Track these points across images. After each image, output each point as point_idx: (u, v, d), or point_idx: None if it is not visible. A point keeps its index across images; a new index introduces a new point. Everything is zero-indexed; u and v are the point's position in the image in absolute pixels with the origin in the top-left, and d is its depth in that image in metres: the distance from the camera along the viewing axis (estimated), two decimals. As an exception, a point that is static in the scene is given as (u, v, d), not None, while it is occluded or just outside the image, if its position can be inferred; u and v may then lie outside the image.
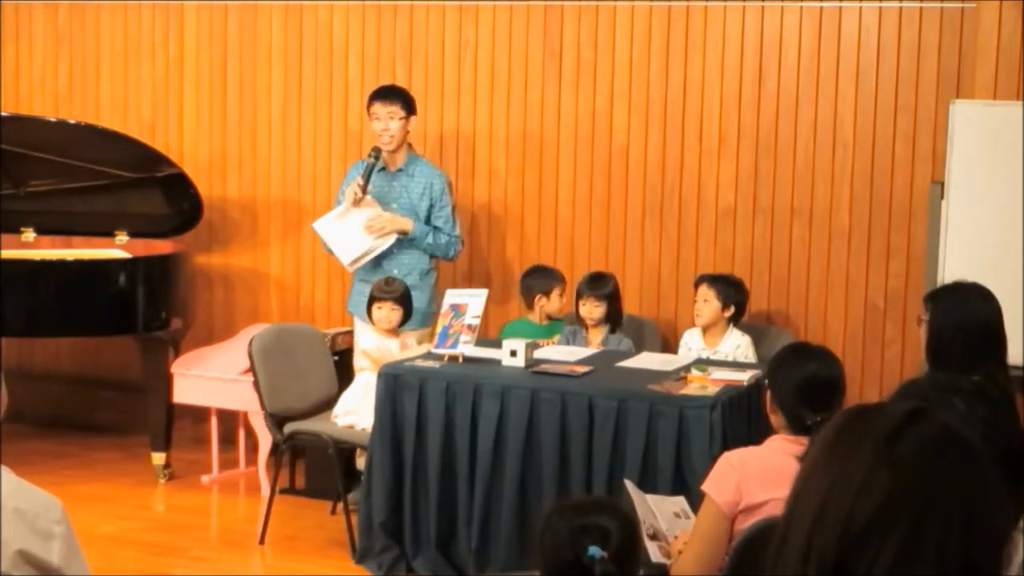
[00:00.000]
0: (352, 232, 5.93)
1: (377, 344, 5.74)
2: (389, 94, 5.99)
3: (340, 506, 5.69)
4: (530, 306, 6.17)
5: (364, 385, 5.61)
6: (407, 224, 5.96)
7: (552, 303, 6.11)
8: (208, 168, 7.11)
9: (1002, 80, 5.73)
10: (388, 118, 5.92)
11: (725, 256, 6.22)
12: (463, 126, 6.64)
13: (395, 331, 5.78)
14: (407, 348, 5.76)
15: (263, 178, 7.05)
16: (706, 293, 5.78)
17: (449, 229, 6.05)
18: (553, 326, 6.08)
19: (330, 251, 6.07)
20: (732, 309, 5.79)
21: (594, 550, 2.60)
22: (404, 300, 5.75)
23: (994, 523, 1.37)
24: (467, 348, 5.20)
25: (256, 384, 5.71)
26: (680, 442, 4.65)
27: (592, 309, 5.89)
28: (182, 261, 6.63)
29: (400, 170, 6.01)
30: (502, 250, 6.64)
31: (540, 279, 6.17)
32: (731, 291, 5.80)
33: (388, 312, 5.71)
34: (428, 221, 6.02)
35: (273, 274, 7.07)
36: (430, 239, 6.01)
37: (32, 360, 7.41)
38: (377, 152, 5.93)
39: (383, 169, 5.98)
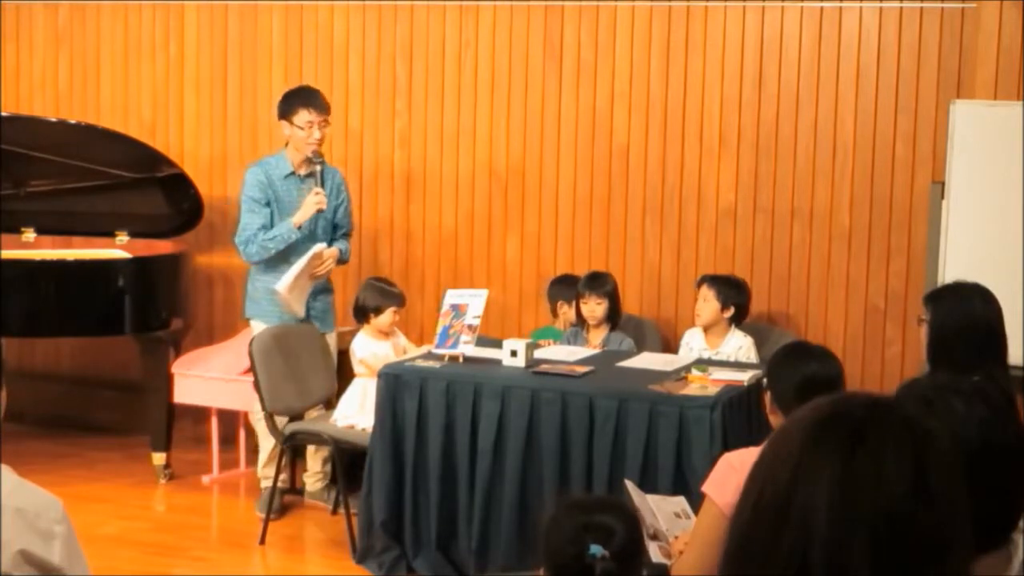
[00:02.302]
0: (303, 282, 5.87)
1: (373, 350, 5.74)
2: (322, 102, 5.87)
3: (341, 506, 5.69)
4: (555, 313, 6.19)
5: (362, 390, 5.62)
6: (336, 252, 5.98)
7: (573, 312, 6.10)
8: (208, 168, 7.11)
9: (1002, 80, 5.73)
10: (322, 126, 5.85)
11: (725, 256, 6.22)
12: (463, 126, 6.64)
13: (388, 333, 5.84)
14: (399, 348, 5.81)
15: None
16: (706, 293, 5.78)
17: (349, 224, 6.14)
18: None
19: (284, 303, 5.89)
20: (732, 310, 5.78)
21: (596, 549, 2.60)
22: (404, 302, 5.89)
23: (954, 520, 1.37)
24: (467, 348, 5.20)
25: (256, 384, 5.71)
26: (680, 442, 4.65)
27: (594, 308, 5.89)
28: (182, 261, 6.63)
29: (310, 174, 5.91)
30: (502, 250, 6.64)
31: (562, 287, 6.17)
32: (731, 292, 5.80)
33: (394, 315, 5.79)
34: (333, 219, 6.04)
35: (273, 274, 7.06)
36: (347, 254, 6.11)
37: (32, 360, 7.41)
38: (321, 158, 5.88)
39: (293, 174, 5.90)
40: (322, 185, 5.82)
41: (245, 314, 6.10)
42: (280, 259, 5.84)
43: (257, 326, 5.95)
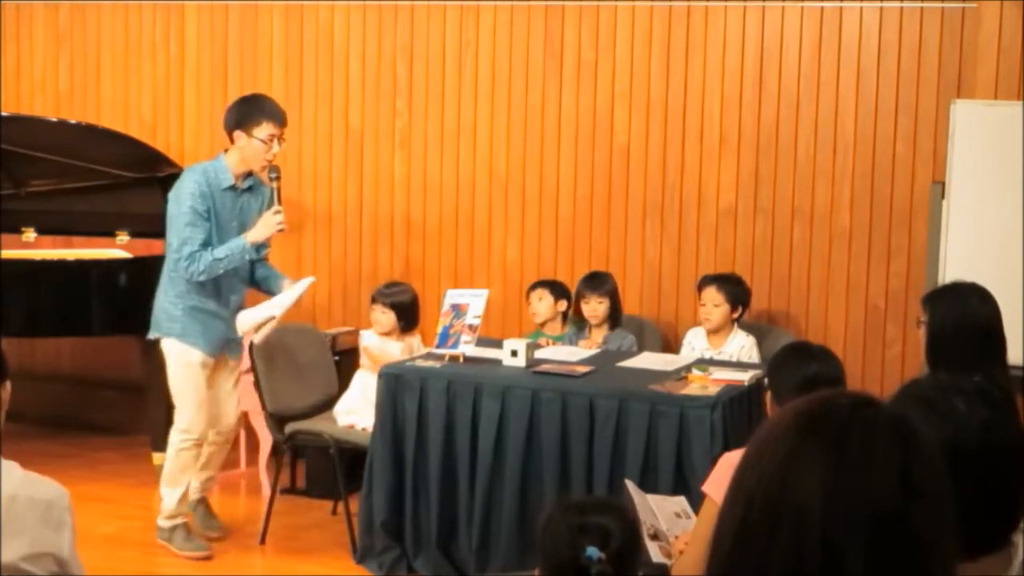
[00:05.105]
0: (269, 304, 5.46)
1: (379, 344, 5.77)
2: (284, 115, 5.39)
3: (340, 506, 5.69)
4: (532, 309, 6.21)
5: (361, 384, 5.64)
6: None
7: (532, 306, 6.10)
8: (208, 168, 7.10)
9: (1003, 80, 5.73)
10: (281, 140, 5.35)
11: (725, 256, 6.22)
12: (463, 126, 6.64)
13: (399, 334, 5.83)
14: (408, 349, 5.80)
15: (263, 178, 7.05)
16: (715, 297, 5.74)
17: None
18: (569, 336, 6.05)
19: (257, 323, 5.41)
20: (740, 309, 5.79)
21: (592, 551, 2.59)
22: (396, 306, 5.81)
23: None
24: (468, 348, 5.20)
25: (256, 384, 5.71)
26: (681, 442, 4.65)
27: (596, 307, 5.90)
28: (183, 261, 6.62)
29: (248, 189, 5.43)
30: (502, 250, 6.64)
31: (540, 283, 6.18)
32: (738, 291, 5.80)
33: (379, 314, 5.80)
34: None
35: (273, 274, 7.06)
36: None
37: (32, 360, 7.41)
38: (278, 174, 5.38)
39: (232, 187, 5.36)
40: (279, 202, 5.35)
41: (155, 332, 5.47)
42: (216, 285, 5.39)
43: (178, 348, 5.39)
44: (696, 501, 3.67)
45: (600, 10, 6.36)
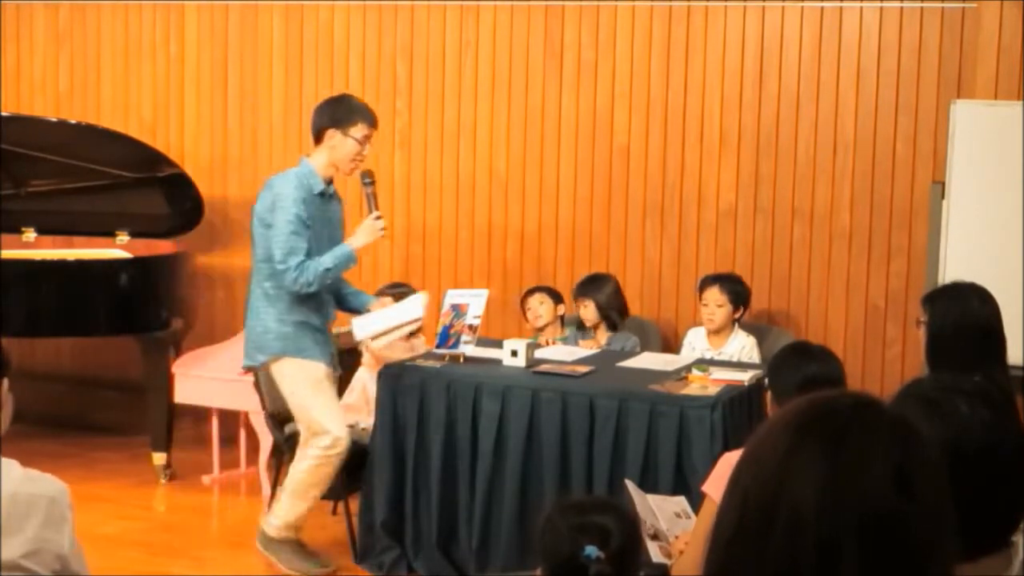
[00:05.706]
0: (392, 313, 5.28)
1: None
2: (376, 118, 5.21)
3: (341, 506, 5.69)
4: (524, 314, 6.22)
5: (362, 384, 5.64)
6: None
7: (532, 309, 6.09)
8: (209, 168, 7.11)
9: (1003, 80, 5.73)
10: (369, 144, 5.16)
11: (726, 256, 6.22)
12: (463, 126, 6.64)
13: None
14: (410, 349, 5.80)
15: (264, 178, 7.00)
16: (718, 297, 5.74)
17: None
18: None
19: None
20: (741, 309, 5.80)
21: (590, 550, 2.60)
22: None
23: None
24: (468, 348, 5.20)
25: (257, 384, 5.70)
26: (681, 442, 4.65)
27: (581, 308, 5.95)
28: (183, 261, 6.63)
29: (331, 194, 5.19)
30: (502, 250, 6.64)
31: (536, 289, 6.18)
32: (740, 291, 5.81)
33: None
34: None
35: (273, 274, 7.06)
36: None
37: (32, 360, 7.41)
38: (373, 178, 5.22)
39: (323, 193, 5.10)
40: (376, 207, 5.16)
41: (263, 355, 5.15)
42: (317, 301, 5.15)
43: (299, 366, 5.11)
44: (696, 501, 3.67)
45: (600, 10, 6.36)
